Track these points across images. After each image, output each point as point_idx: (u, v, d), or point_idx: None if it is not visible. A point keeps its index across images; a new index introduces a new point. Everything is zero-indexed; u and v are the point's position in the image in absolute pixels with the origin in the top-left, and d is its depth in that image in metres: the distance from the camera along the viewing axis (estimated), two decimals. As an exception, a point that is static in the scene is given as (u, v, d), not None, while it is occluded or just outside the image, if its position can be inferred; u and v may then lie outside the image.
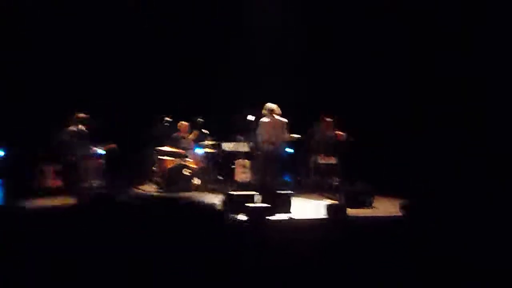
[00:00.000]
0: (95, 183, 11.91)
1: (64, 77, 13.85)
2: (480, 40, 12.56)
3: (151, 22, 14.63)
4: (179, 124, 13.28)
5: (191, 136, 13.28)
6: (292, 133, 11.66)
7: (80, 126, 11.36)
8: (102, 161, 12.11)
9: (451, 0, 13.03)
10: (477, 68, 12.46)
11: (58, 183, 11.89)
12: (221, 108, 14.24)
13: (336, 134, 12.48)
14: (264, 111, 11.60)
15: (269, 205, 9.44)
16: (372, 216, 9.75)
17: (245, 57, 14.77)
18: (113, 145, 11.79)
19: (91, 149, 11.57)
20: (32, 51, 13.61)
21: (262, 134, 11.60)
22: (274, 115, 11.54)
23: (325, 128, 12.63)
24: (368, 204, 10.64)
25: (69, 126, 11.45)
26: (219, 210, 8.86)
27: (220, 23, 14.99)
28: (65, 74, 13.86)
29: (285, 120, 11.59)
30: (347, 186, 12.15)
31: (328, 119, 12.61)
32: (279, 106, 11.65)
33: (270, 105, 11.60)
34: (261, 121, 11.64)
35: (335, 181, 12.55)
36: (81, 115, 11.39)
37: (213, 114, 13.66)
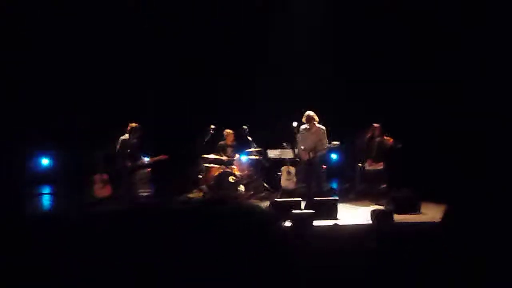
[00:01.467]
0: (144, 192, 12.19)
1: (109, 87, 14.29)
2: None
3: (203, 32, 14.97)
4: (224, 132, 13.43)
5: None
6: (334, 140, 11.69)
7: (131, 136, 11.49)
8: (149, 170, 12.39)
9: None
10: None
11: (108, 192, 12.21)
12: (266, 115, 14.40)
13: (384, 139, 12.43)
14: (303, 119, 11.70)
15: (314, 211, 9.51)
16: (419, 222, 9.68)
17: (288, 64, 14.94)
18: (164, 156, 11.80)
19: (141, 159, 11.76)
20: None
21: (302, 142, 11.71)
22: (314, 122, 11.62)
23: (372, 134, 12.61)
24: (415, 210, 10.57)
25: (122, 136, 11.56)
26: (270, 214, 8.95)
27: (262, 35, 15.19)
28: (109, 85, 14.31)
29: (323, 127, 11.67)
30: (394, 192, 12.13)
31: (375, 125, 12.58)
32: (317, 113, 11.72)
33: (308, 112, 11.71)
34: (301, 129, 11.76)
35: (383, 187, 12.53)
36: (133, 124, 11.51)
37: (258, 121, 13.80)
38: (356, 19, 14.68)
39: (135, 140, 11.49)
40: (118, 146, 11.38)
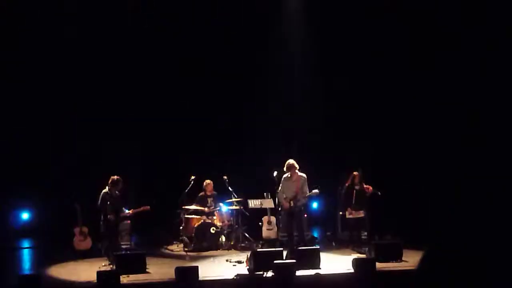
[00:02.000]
0: (124, 244, 12.11)
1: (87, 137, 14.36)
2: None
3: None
4: (204, 182, 13.44)
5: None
6: (313, 188, 11.76)
7: (113, 189, 11.42)
8: (129, 222, 12.33)
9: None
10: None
11: (88, 244, 12.11)
12: (245, 165, 14.46)
13: (363, 187, 12.51)
14: (284, 168, 11.76)
15: (296, 261, 9.51)
16: (401, 270, 9.69)
17: (268, 115, 15.14)
18: (145, 207, 11.75)
19: (123, 211, 11.69)
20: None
21: (283, 191, 11.76)
22: (295, 170, 11.67)
23: (352, 182, 12.67)
24: (397, 258, 10.57)
25: (103, 189, 11.46)
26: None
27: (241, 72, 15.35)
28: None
29: (304, 175, 11.73)
30: (376, 239, 12.17)
31: (355, 173, 12.65)
32: (297, 161, 11.79)
33: (289, 161, 11.78)
34: (283, 178, 11.82)
35: (364, 235, 12.55)
36: (115, 177, 11.45)
37: (238, 172, 13.85)
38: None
39: (116, 193, 11.48)
40: (99, 200, 11.34)
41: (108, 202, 11.20)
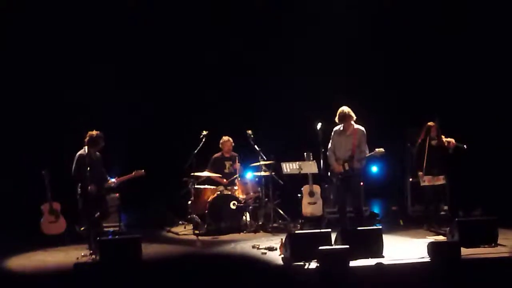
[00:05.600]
0: (111, 226, 12.21)
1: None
2: None
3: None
4: (221, 140, 13.43)
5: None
6: (376, 147, 11.64)
7: (92, 149, 11.34)
8: (117, 196, 12.42)
9: None
10: None
11: (61, 227, 12.21)
12: (278, 116, 14.41)
13: (443, 143, 12.36)
14: (336, 118, 11.59)
15: (350, 247, 9.49)
16: (496, 258, 9.64)
17: (306, 50, 15.03)
18: (138, 173, 11.75)
19: (108, 180, 11.66)
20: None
21: (334, 150, 11.64)
22: (351, 122, 11.53)
23: (427, 136, 12.54)
24: (490, 241, 10.52)
25: (79, 150, 11.39)
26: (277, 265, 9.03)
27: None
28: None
29: (363, 129, 11.58)
30: (461, 215, 12.10)
31: (431, 124, 12.49)
32: (353, 109, 11.61)
33: (343, 109, 11.52)
34: (333, 133, 11.68)
35: (444, 210, 12.50)
36: (94, 133, 11.35)
37: (268, 125, 13.81)
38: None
39: (97, 154, 11.47)
40: (74, 165, 11.31)
41: (87, 168, 11.19)
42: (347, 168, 11.44)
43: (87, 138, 11.30)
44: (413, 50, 15.03)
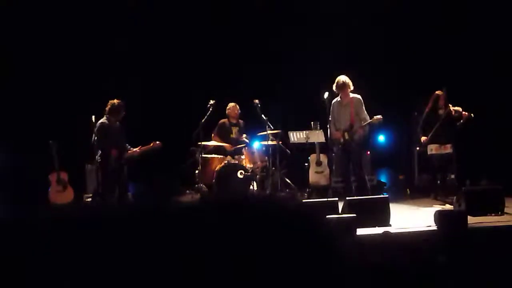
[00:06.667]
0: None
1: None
2: None
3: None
4: (228, 106, 13.42)
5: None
6: (381, 115, 11.61)
7: (113, 118, 11.37)
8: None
9: None
10: None
11: (69, 196, 12.27)
12: (284, 85, 14.38)
13: (451, 111, 12.34)
14: (334, 87, 11.57)
15: (357, 215, 9.51)
16: (504, 227, 9.65)
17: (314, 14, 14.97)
18: (157, 143, 11.70)
19: (129, 148, 11.58)
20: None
21: (334, 120, 11.63)
22: (348, 91, 11.50)
23: (435, 105, 12.52)
24: (497, 210, 10.54)
25: (98, 119, 11.44)
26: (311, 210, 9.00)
27: None
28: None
29: (358, 96, 11.56)
30: (468, 184, 12.10)
31: (439, 93, 12.47)
32: (352, 78, 11.56)
33: (340, 78, 11.53)
34: (332, 105, 11.68)
35: (451, 179, 12.50)
36: (115, 101, 11.36)
37: (275, 93, 13.79)
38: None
39: (117, 124, 11.48)
40: (96, 133, 11.30)
41: (111, 136, 11.18)
42: (347, 137, 11.45)
43: (108, 106, 11.31)
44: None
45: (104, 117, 11.33)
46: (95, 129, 11.27)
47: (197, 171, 13.06)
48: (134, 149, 11.55)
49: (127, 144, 11.58)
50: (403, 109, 13.66)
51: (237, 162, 12.92)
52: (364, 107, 11.54)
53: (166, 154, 12.63)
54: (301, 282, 1.47)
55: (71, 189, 12.37)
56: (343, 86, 11.39)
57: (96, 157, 11.29)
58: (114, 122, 11.37)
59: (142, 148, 11.63)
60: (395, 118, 12.82)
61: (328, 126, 11.72)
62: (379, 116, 11.52)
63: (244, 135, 13.31)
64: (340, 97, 11.55)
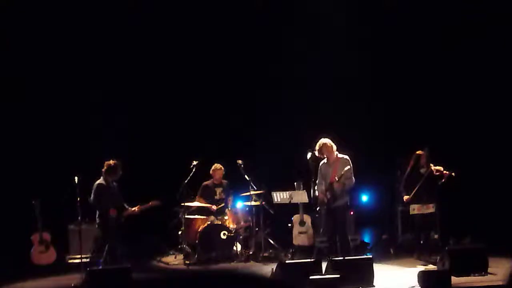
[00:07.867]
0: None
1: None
2: None
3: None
4: (213, 167, 13.42)
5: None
6: (366, 176, 11.64)
7: (110, 178, 11.36)
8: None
9: None
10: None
11: (51, 257, 12.16)
12: (268, 145, 14.41)
13: (432, 171, 12.38)
14: (315, 151, 11.58)
15: (341, 276, 9.48)
16: (487, 287, 9.62)
17: (297, 78, 15.10)
18: (155, 202, 11.56)
19: (127, 208, 11.48)
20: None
21: (321, 180, 11.64)
22: (332, 152, 11.53)
23: (416, 164, 12.56)
24: (481, 269, 10.51)
25: (97, 180, 11.39)
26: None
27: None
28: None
29: (346, 156, 11.60)
30: (452, 244, 12.09)
31: (420, 153, 12.52)
32: (335, 139, 11.61)
33: (321, 141, 11.54)
34: (320, 165, 11.67)
35: (434, 238, 12.49)
36: (111, 162, 11.36)
37: (258, 154, 13.81)
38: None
39: (114, 184, 11.47)
40: (93, 194, 11.28)
41: (106, 196, 11.14)
42: (328, 196, 11.45)
43: (105, 167, 11.35)
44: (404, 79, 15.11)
45: (101, 178, 11.35)
46: (93, 190, 11.27)
47: (180, 231, 13.03)
48: (133, 209, 11.51)
49: (124, 204, 11.53)
50: (386, 169, 13.67)
51: (220, 222, 12.88)
52: (350, 166, 11.51)
53: (150, 214, 12.60)
54: None
55: (53, 250, 12.27)
56: (324, 148, 11.44)
57: (96, 217, 11.31)
58: (111, 182, 11.39)
59: (141, 207, 11.57)
60: (378, 178, 12.83)
61: (311, 186, 11.74)
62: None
63: (230, 198, 13.34)
64: (327, 158, 11.57)
